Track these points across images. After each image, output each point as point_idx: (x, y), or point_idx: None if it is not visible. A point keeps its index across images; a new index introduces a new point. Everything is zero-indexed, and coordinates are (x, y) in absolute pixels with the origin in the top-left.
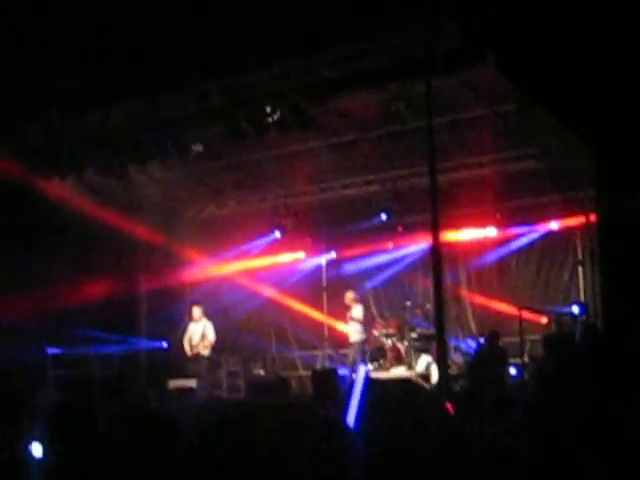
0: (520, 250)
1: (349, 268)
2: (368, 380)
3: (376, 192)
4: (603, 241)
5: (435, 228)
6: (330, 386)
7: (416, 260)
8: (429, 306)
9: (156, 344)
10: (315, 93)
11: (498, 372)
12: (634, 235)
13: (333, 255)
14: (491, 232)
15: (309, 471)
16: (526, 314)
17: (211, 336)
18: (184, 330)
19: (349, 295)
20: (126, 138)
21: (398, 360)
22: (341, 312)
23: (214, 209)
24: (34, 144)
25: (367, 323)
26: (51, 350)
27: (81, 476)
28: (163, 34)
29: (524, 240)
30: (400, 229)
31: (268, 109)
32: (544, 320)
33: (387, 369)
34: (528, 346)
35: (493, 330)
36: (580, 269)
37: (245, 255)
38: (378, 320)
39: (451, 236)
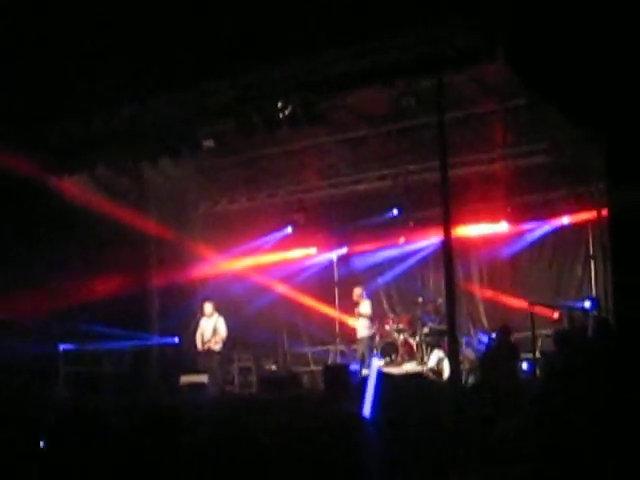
0: (532, 245)
1: (361, 263)
2: (381, 374)
3: (387, 187)
4: (614, 235)
5: (446, 223)
6: (342, 381)
7: (428, 255)
8: (441, 301)
9: (168, 340)
10: (326, 89)
11: (509, 367)
12: None
13: (345, 250)
14: (502, 227)
15: (324, 465)
16: (538, 309)
17: (223, 331)
18: (196, 326)
19: (357, 291)
20: (137, 135)
21: (410, 355)
22: (352, 307)
23: (225, 205)
24: (46, 142)
25: (376, 319)
26: (63, 346)
27: (89, 472)
28: (175, 30)
29: (536, 235)
30: (411, 224)
31: (279, 105)
32: (556, 315)
33: (399, 364)
34: (540, 341)
35: (504, 325)
36: (592, 264)
37: (257, 251)
38: (390, 315)
39: (463, 231)
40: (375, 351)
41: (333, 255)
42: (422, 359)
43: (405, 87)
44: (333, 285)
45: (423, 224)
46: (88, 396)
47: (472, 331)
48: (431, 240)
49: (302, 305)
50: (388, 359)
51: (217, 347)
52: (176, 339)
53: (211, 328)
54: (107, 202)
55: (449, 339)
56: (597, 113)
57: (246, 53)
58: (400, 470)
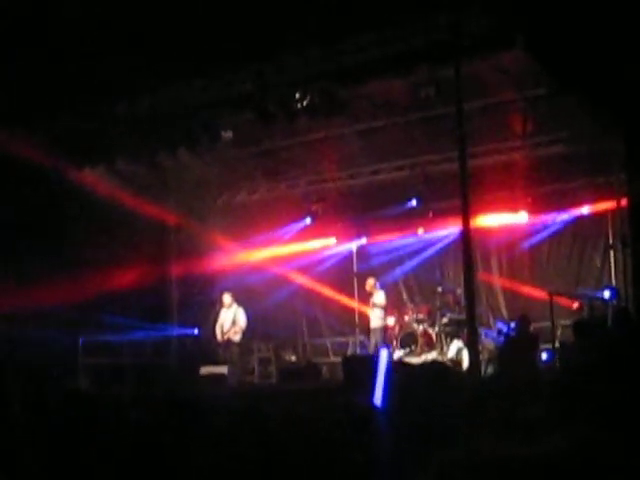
0: (551, 235)
1: (380, 254)
2: (391, 362)
3: (406, 177)
4: (634, 225)
5: (465, 213)
6: (361, 372)
7: (447, 245)
8: (460, 291)
9: (187, 331)
10: (344, 78)
11: (529, 357)
12: None
13: (364, 241)
14: (522, 217)
15: (339, 456)
16: (557, 299)
17: (242, 321)
18: (216, 317)
19: (370, 282)
20: (156, 125)
21: (429, 346)
22: (369, 298)
23: (245, 196)
24: (65, 134)
25: (395, 309)
26: (83, 338)
27: (107, 462)
28: (192, 21)
29: (555, 225)
30: (430, 214)
31: (297, 95)
32: (575, 305)
33: (418, 355)
34: (559, 331)
35: (524, 315)
36: (611, 253)
37: (276, 241)
38: (409, 306)
39: (482, 221)
40: (394, 341)
41: (352, 245)
42: (442, 349)
43: (424, 76)
44: (352, 276)
45: (442, 214)
46: (108, 386)
47: (491, 321)
48: (450, 230)
49: (321, 296)
50: (408, 349)
51: (237, 338)
52: (195, 330)
53: (230, 319)
54: (127, 193)
55: (468, 329)
56: (617, 102)
57: (264, 43)
58: (412, 459)
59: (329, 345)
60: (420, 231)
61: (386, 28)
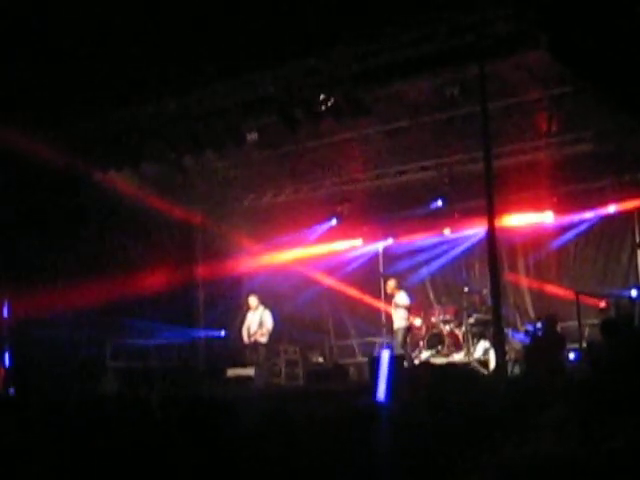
0: (578, 234)
1: (406, 254)
2: (393, 362)
3: (432, 178)
4: None
5: (490, 213)
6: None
7: (473, 246)
8: (486, 292)
9: (214, 333)
10: (369, 79)
11: (556, 357)
12: None
13: (390, 241)
14: (548, 217)
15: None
16: (584, 298)
17: (269, 323)
18: (243, 319)
19: (390, 284)
20: (182, 128)
21: (456, 346)
22: None
23: (270, 197)
24: (91, 136)
25: (422, 310)
26: (111, 342)
27: (135, 461)
28: (219, 23)
29: (581, 224)
30: (456, 215)
31: (322, 96)
32: (602, 304)
33: (445, 355)
34: (587, 330)
35: (550, 315)
36: (638, 252)
37: (301, 243)
38: (436, 306)
39: (508, 221)
40: (421, 342)
41: (379, 246)
42: (469, 350)
43: (449, 77)
44: (379, 277)
45: (468, 214)
46: (136, 389)
47: (518, 321)
48: (476, 230)
49: (348, 297)
50: (434, 350)
51: (263, 339)
52: (222, 332)
53: (257, 321)
54: (153, 196)
55: (495, 329)
56: None
57: (288, 45)
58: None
59: (356, 346)
60: (446, 231)
61: (411, 29)
